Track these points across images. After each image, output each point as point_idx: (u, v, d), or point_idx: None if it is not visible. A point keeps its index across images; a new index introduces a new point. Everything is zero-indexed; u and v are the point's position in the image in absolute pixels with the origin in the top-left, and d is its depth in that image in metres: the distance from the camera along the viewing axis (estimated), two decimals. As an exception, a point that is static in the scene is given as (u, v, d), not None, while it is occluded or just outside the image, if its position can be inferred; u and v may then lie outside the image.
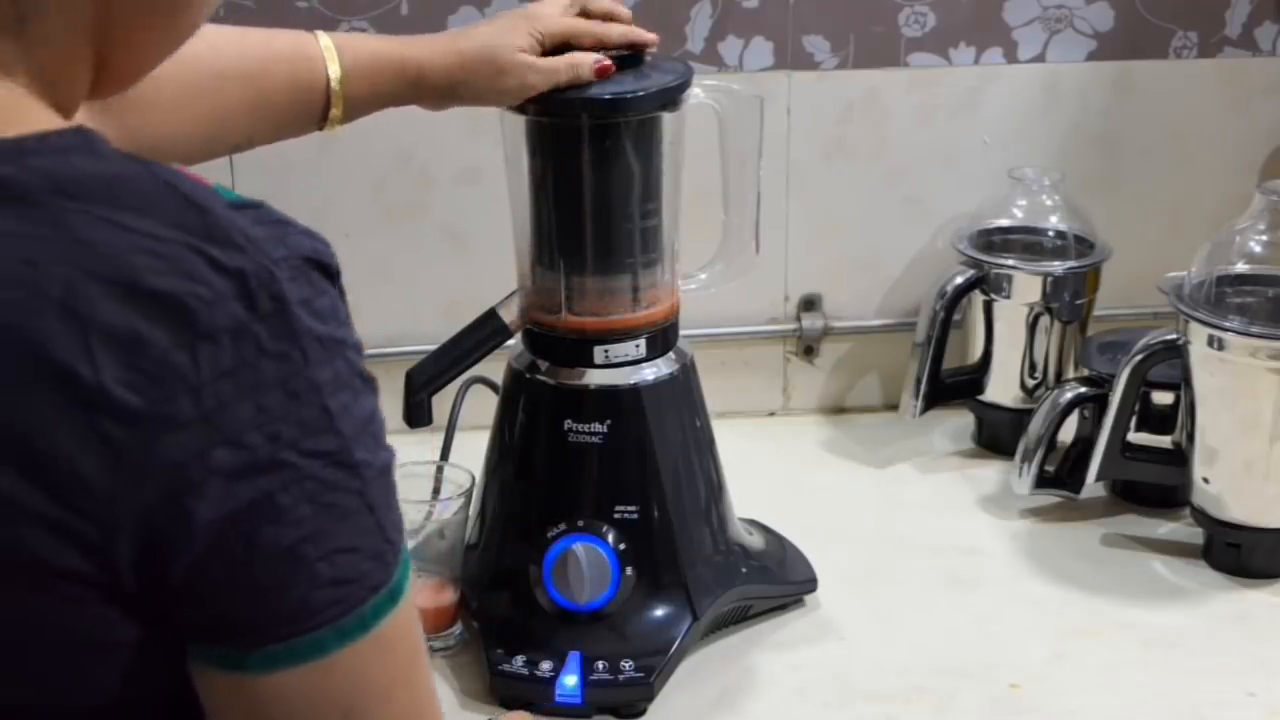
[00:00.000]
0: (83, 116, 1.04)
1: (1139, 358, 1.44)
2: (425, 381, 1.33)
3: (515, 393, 1.32)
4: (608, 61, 1.24)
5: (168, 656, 0.74)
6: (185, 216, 0.71)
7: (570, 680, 1.24)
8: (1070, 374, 1.59)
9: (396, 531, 0.76)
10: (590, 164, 1.27)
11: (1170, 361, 1.43)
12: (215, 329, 0.69)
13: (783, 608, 1.38)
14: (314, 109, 1.22)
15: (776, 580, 1.38)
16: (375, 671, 0.75)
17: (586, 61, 1.24)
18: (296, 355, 0.71)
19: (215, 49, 1.16)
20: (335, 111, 1.22)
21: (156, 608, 0.72)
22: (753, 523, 1.42)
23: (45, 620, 0.71)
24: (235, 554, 0.70)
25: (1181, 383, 1.43)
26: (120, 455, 0.68)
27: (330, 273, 0.76)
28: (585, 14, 1.28)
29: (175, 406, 0.68)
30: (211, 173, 0.82)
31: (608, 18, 1.28)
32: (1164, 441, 1.48)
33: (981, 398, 1.64)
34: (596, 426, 1.28)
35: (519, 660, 1.25)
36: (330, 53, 1.21)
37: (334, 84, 1.21)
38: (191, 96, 1.16)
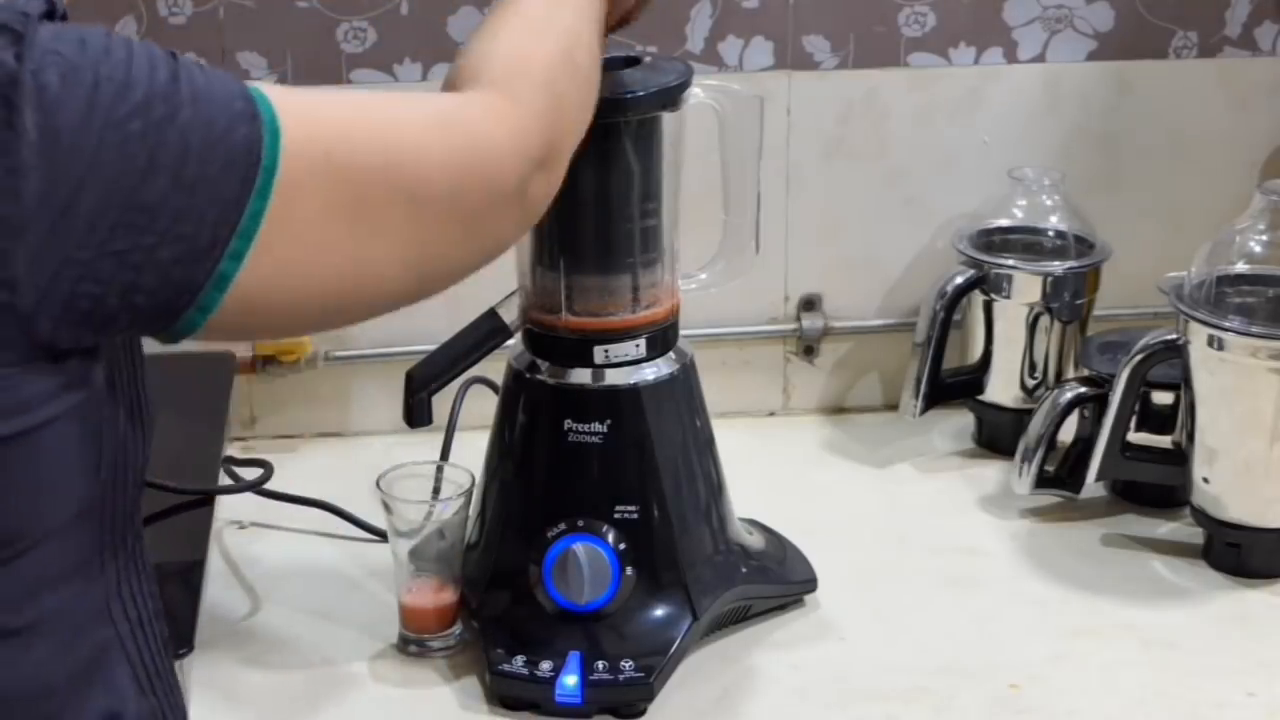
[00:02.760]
0: None
1: (1139, 358, 1.44)
2: (425, 381, 1.33)
3: (515, 393, 1.32)
4: None
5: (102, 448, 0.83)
6: None
7: (570, 680, 1.24)
8: (1070, 374, 1.59)
9: (225, 84, 0.82)
10: (590, 164, 1.27)
11: (1170, 361, 1.43)
12: (12, 75, 0.76)
13: (783, 608, 1.38)
14: None
15: (776, 580, 1.38)
16: (315, 175, 0.84)
17: None
18: (68, 52, 0.78)
19: None
20: None
21: (100, 333, 0.80)
22: (753, 523, 1.42)
23: None
24: (134, 225, 0.78)
25: (1181, 383, 1.43)
26: (5, 221, 0.75)
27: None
28: None
29: (20, 154, 0.76)
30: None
31: None
32: (1164, 441, 1.48)
33: (981, 398, 1.64)
34: (596, 426, 1.28)
35: (519, 660, 1.25)
36: None
37: None
38: None
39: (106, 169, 0.77)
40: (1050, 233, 1.63)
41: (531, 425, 1.31)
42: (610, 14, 1.12)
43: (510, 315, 1.33)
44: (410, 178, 0.89)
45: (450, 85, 1.00)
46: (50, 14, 0.80)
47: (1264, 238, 1.43)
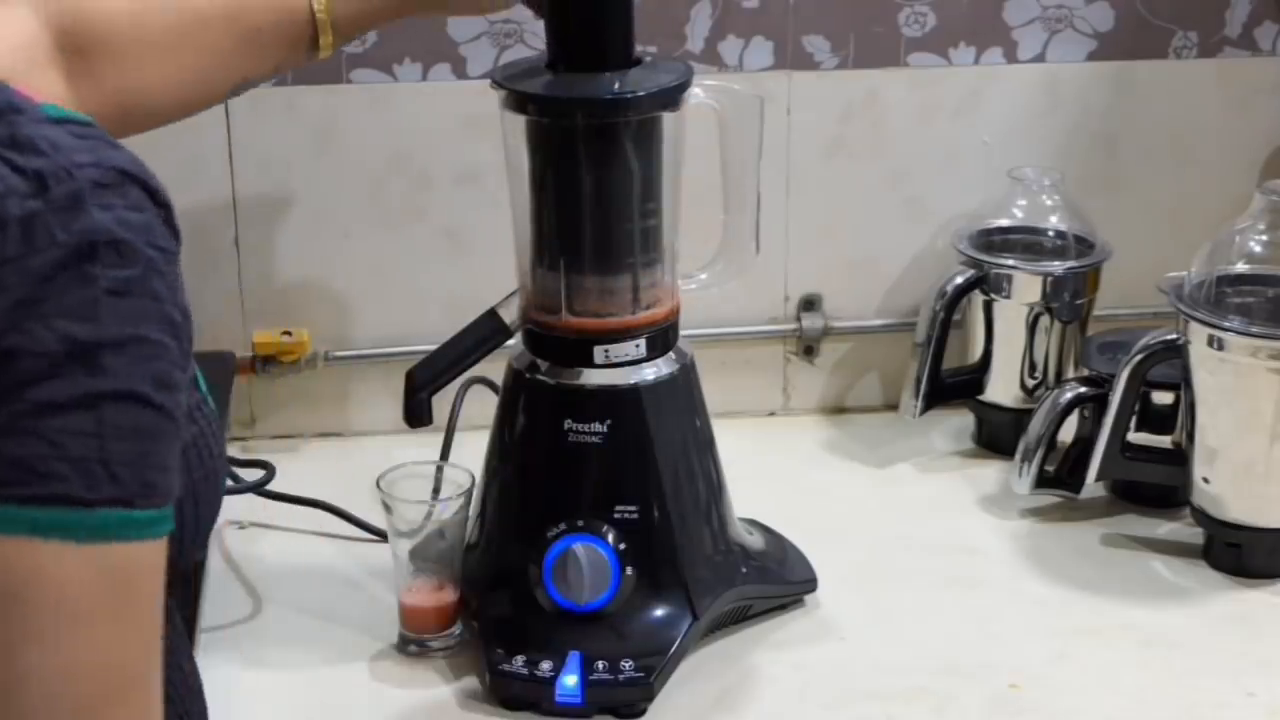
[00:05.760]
0: (52, 81, 1.05)
1: (1139, 358, 1.44)
2: (425, 381, 1.33)
3: (515, 393, 1.32)
4: None
5: None
6: None
7: (570, 680, 1.24)
8: (1070, 374, 1.59)
9: (127, 470, 0.74)
10: (590, 164, 1.27)
11: (1170, 361, 1.43)
12: (6, 218, 0.71)
13: (783, 608, 1.38)
14: (302, 38, 1.20)
15: (776, 580, 1.38)
16: (19, 590, 0.73)
17: None
18: (85, 248, 0.73)
19: None
20: (325, 39, 1.20)
21: None
22: (753, 523, 1.42)
23: None
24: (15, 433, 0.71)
25: (1181, 383, 1.43)
26: None
27: (151, 192, 0.77)
28: None
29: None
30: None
31: None
32: (1164, 441, 1.48)
33: (981, 398, 1.64)
34: (596, 426, 1.28)
35: (519, 660, 1.25)
36: None
37: (319, 11, 1.19)
38: (173, 46, 1.15)
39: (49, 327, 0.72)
40: (1050, 233, 1.63)
41: (531, 425, 1.31)
42: None
43: (510, 315, 1.33)
44: None
45: None
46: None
47: (1264, 238, 1.43)
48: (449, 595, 1.32)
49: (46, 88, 1.06)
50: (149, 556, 0.76)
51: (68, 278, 0.73)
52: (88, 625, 0.74)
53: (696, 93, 1.29)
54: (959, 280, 1.60)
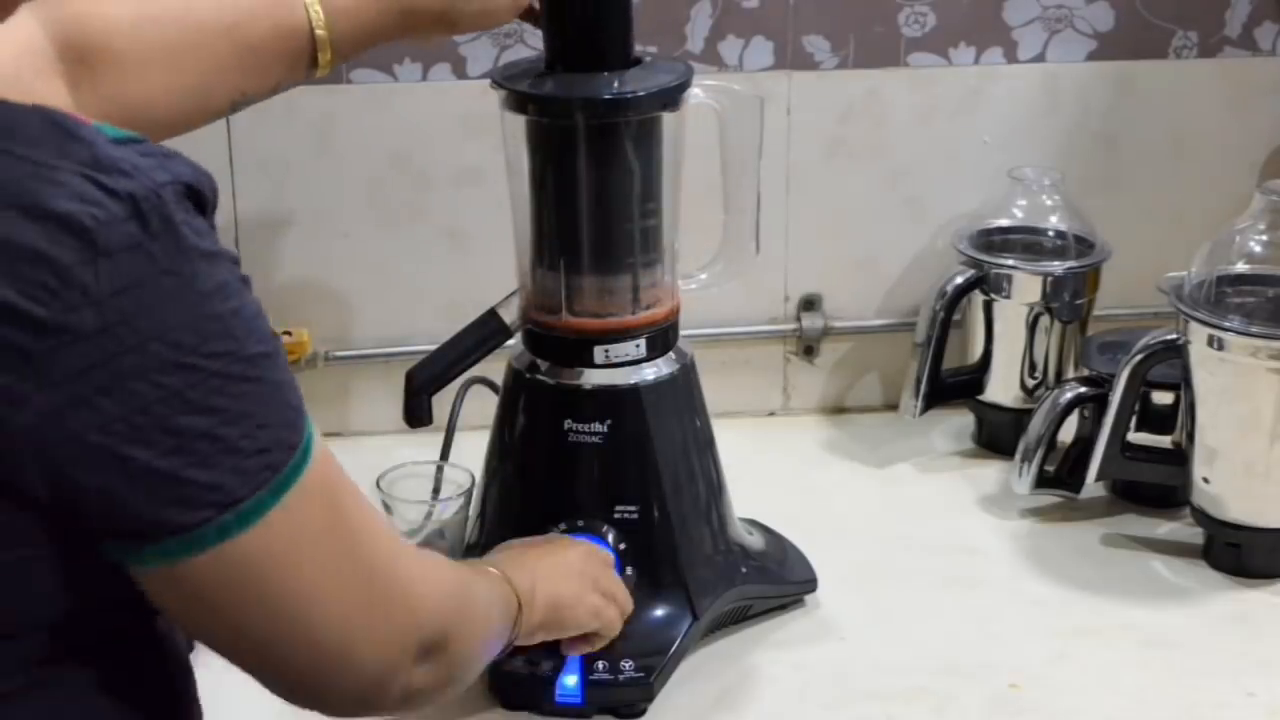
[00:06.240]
0: (56, 89, 1.05)
1: (1139, 358, 1.44)
2: (425, 381, 1.33)
3: (515, 393, 1.32)
4: None
5: (87, 571, 0.79)
6: (72, 148, 0.76)
7: (570, 680, 1.24)
8: (1070, 374, 1.59)
9: (295, 395, 0.84)
10: (590, 164, 1.27)
11: (1170, 361, 1.43)
12: (113, 247, 0.74)
13: (783, 608, 1.38)
14: (302, 55, 1.20)
15: (776, 580, 1.38)
16: (312, 512, 0.84)
17: None
18: (187, 270, 0.77)
19: (190, 4, 1.16)
20: (324, 56, 1.21)
21: (71, 514, 0.77)
22: (753, 523, 1.42)
23: None
24: (153, 442, 0.76)
25: (1181, 383, 1.43)
26: (27, 361, 0.73)
27: (199, 199, 0.80)
28: None
29: (79, 317, 0.73)
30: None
31: None
32: (1164, 441, 1.48)
33: (981, 398, 1.64)
34: (596, 426, 1.28)
35: (519, 660, 1.25)
36: None
37: (318, 28, 1.19)
38: (173, 56, 1.15)
39: (164, 378, 0.77)
40: (1050, 233, 1.63)
41: (531, 425, 1.31)
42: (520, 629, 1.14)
43: (510, 315, 1.33)
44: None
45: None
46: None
47: (1264, 238, 1.43)
48: (449, 595, 1.32)
49: (51, 95, 1.07)
50: (324, 453, 0.85)
51: (188, 300, 0.77)
52: (329, 540, 0.85)
53: (696, 93, 1.29)
54: (959, 280, 1.60)
